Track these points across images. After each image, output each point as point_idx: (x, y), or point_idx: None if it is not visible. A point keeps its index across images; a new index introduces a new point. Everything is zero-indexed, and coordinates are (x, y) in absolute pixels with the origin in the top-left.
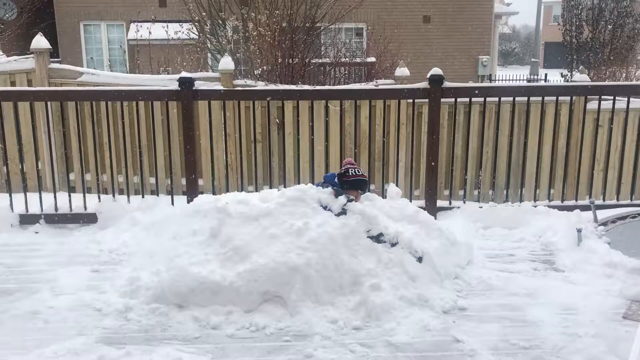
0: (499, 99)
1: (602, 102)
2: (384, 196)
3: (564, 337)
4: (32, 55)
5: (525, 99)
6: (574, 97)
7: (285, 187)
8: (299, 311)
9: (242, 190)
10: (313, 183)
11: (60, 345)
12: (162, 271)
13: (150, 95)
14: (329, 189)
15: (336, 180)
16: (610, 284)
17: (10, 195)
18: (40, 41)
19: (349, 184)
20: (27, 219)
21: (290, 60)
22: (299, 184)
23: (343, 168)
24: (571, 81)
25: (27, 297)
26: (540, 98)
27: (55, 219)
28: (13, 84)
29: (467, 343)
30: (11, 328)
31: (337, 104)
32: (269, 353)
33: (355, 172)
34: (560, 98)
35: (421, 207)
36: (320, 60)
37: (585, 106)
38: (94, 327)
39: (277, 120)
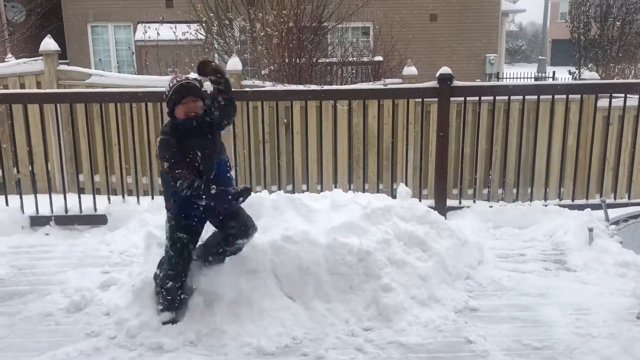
0: (509, 97)
1: (612, 99)
2: (393, 196)
3: (577, 337)
4: (41, 57)
5: (535, 97)
6: (583, 95)
7: (293, 187)
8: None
9: None
10: (321, 183)
11: (72, 347)
12: None
13: (158, 97)
14: None
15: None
16: (622, 283)
17: (21, 197)
18: (49, 43)
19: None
20: (37, 221)
21: (298, 60)
22: (307, 184)
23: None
24: (580, 79)
25: (39, 299)
26: (549, 96)
27: (66, 221)
28: (22, 86)
29: (479, 344)
30: (23, 330)
31: (345, 104)
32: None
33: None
34: (570, 96)
35: (430, 207)
36: (327, 60)
37: (595, 104)
38: (106, 329)
39: (284, 120)
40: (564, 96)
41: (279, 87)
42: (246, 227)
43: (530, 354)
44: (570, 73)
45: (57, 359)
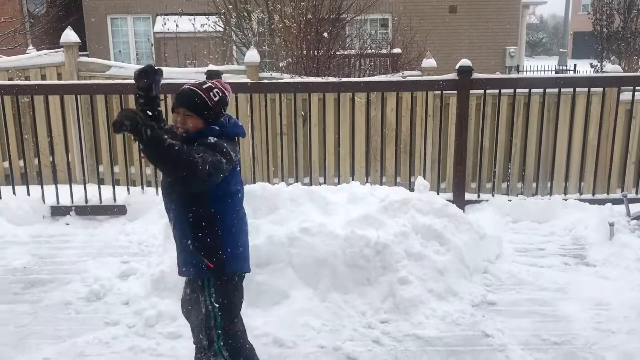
0: (529, 90)
1: (635, 92)
2: (411, 189)
3: (597, 332)
4: (61, 49)
5: (555, 90)
6: (606, 88)
7: (310, 180)
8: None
9: (267, 181)
10: (338, 176)
11: (91, 336)
12: None
13: (177, 89)
14: None
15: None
16: None
17: (42, 187)
18: (69, 35)
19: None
20: (58, 211)
21: (316, 52)
22: (324, 176)
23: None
24: (602, 72)
25: (59, 287)
26: (571, 89)
27: (86, 211)
28: (44, 77)
29: (497, 338)
30: (45, 318)
31: (363, 96)
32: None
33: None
34: (591, 89)
35: (449, 200)
36: (345, 52)
37: (618, 97)
38: (124, 318)
39: (302, 112)
40: (586, 89)
41: (297, 79)
42: None
43: (548, 349)
44: (592, 66)
45: (78, 346)
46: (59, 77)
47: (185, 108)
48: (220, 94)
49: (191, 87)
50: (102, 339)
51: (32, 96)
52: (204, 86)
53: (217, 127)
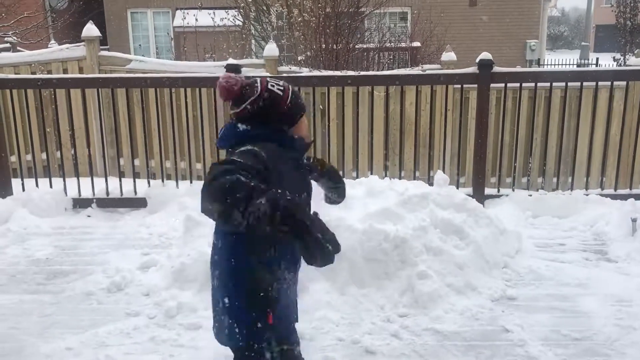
0: (550, 84)
1: None
2: (430, 184)
3: (618, 329)
4: (83, 43)
5: (577, 83)
6: (629, 82)
7: None
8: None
9: None
10: (357, 170)
11: (113, 326)
12: None
13: (198, 82)
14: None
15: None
16: None
17: (64, 180)
18: (90, 29)
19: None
20: (79, 203)
21: (335, 45)
22: (342, 170)
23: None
24: (625, 65)
25: (81, 278)
26: (593, 83)
27: (107, 203)
28: (65, 71)
29: (517, 333)
30: (67, 308)
31: (382, 90)
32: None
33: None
34: (614, 83)
35: (468, 195)
36: (364, 46)
37: None
38: (145, 309)
39: (320, 106)
40: (608, 83)
41: (316, 73)
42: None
43: (569, 345)
44: (614, 60)
45: (99, 336)
46: (80, 70)
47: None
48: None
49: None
50: (124, 329)
51: (54, 90)
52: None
53: None
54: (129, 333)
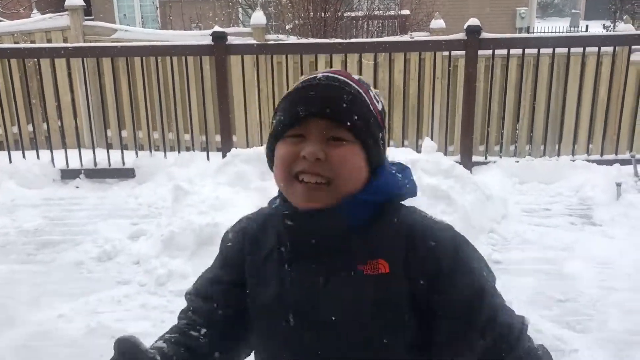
0: (538, 50)
1: None
2: (418, 151)
3: (600, 290)
4: (66, 12)
5: (565, 50)
6: (617, 48)
7: None
8: None
9: None
10: None
11: (104, 294)
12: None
13: (183, 51)
14: None
15: None
16: None
17: (51, 151)
18: None
19: None
20: (67, 174)
21: (323, 13)
22: None
23: None
24: (614, 32)
25: (71, 248)
26: (580, 49)
27: (95, 174)
28: (49, 41)
29: (502, 295)
30: (58, 277)
31: (371, 58)
32: None
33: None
34: (602, 50)
35: (456, 162)
36: (353, 14)
37: (629, 56)
38: (136, 277)
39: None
40: (596, 49)
41: (303, 40)
42: None
43: (553, 306)
44: (604, 27)
45: (90, 304)
46: (65, 41)
47: (334, 121)
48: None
49: (335, 75)
50: (114, 297)
51: (38, 60)
52: (355, 76)
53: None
54: (120, 300)
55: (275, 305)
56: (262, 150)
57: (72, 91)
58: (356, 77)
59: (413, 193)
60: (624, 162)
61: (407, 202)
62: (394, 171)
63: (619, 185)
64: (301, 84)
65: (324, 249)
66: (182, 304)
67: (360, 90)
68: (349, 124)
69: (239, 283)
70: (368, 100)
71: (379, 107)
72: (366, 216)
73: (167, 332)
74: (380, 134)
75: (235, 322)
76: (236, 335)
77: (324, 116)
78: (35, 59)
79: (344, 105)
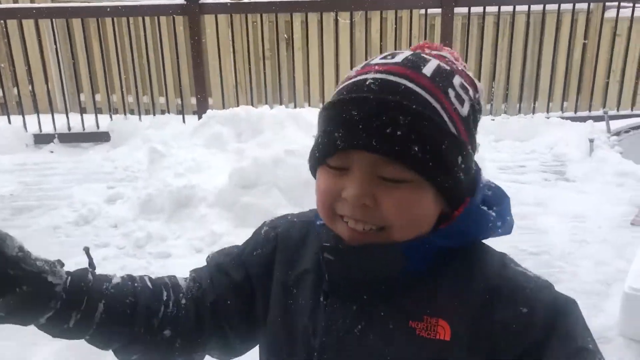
0: (514, 8)
1: (620, 9)
2: None
3: (573, 243)
4: None
5: (540, 7)
6: (591, 5)
7: (295, 104)
8: None
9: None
10: (323, 100)
11: (82, 257)
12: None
13: (156, 10)
14: None
15: None
16: (620, 192)
17: (23, 116)
18: None
19: None
20: (41, 139)
21: None
22: (308, 100)
23: None
24: None
25: (47, 213)
26: (556, 7)
27: (69, 138)
28: (15, 1)
29: None
30: (35, 242)
31: (347, 17)
32: None
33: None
34: (577, 7)
35: None
36: None
37: (603, 14)
38: (114, 240)
39: (285, 35)
40: (570, 7)
41: None
42: None
43: (526, 259)
44: None
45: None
46: (33, 1)
47: (385, 156)
48: (472, 93)
49: (394, 76)
50: (93, 259)
51: (5, 21)
52: (429, 68)
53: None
54: (99, 263)
55: (298, 338)
56: (238, 111)
57: (42, 54)
58: (432, 65)
59: (506, 234)
60: (597, 119)
61: None
62: (484, 203)
63: (591, 141)
64: (345, 92)
65: (371, 291)
66: (161, 265)
67: (430, 99)
68: (405, 159)
69: (252, 286)
70: (442, 110)
71: (465, 109)
72: (433, 260)
73: (154, 277)
74: (460, 158)
75: (221, 319)
76: (202, 332)
77: (371, 149)
78: (2, 20)
79: (398, 133)
